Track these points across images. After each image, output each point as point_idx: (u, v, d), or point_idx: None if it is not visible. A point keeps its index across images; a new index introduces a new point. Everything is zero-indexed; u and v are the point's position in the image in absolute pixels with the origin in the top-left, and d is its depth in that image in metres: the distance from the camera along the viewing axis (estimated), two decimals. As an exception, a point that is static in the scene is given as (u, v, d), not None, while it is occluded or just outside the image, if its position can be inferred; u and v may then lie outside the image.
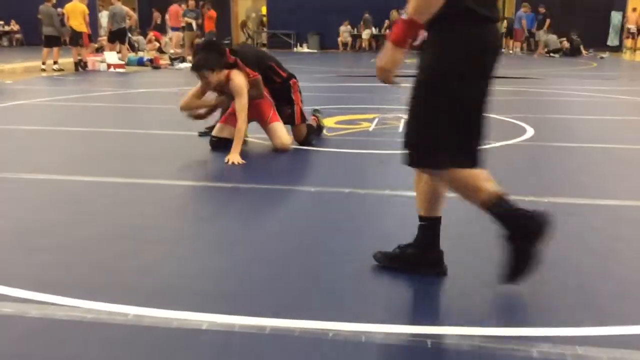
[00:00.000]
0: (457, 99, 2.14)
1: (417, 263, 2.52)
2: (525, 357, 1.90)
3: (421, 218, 2.50)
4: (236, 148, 4.57)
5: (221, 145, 4.85)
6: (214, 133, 5.03)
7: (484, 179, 2.24)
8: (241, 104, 4.65)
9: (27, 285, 2.39)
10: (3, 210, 3.46)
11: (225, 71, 4.69)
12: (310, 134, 5.23)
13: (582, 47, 19.35)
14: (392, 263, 2.57)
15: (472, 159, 2.22)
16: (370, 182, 4.07)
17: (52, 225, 3.16)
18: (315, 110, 5.62)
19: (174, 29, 17.23)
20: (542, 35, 20.37)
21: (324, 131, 5.61)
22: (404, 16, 2.02)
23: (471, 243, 2.94)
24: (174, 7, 16.86)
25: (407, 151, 2.29)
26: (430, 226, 2.48)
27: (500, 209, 2.22)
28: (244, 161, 4.51)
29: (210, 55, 4.67)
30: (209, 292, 2.38)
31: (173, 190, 3.90)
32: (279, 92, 5.08)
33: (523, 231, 2.23)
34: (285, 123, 5.08)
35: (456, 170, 2.20)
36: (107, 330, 2.07)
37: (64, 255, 2.74)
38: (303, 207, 3.61)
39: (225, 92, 4.81)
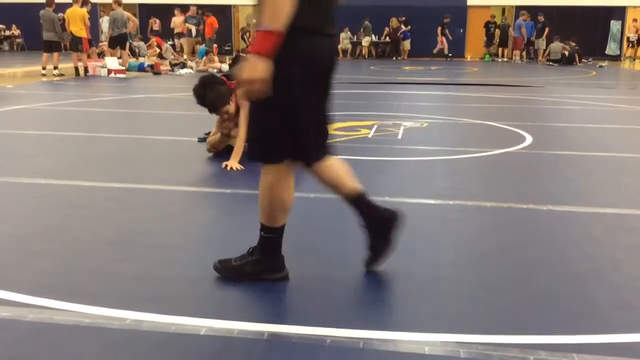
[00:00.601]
0: (290, 105, 2.27)
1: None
2: (523, 365, 1.90)
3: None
4: (236, 155, 4.61)
5: (219, 153, 4.89)
6: (211, 147, 5.10)
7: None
8: (245, 114, 4.70)
9: (24, 290, 2.39)
10: (2, 214, 3.46)
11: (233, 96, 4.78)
12: None
13: (576, 56, 19.37)
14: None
15: (311, 156, 2.43)
16: (369, 189, 4.05)
17: (51, 230, 3.16)
18: None
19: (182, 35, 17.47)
20: (542, 43, 20.43)
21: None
22: (265, 27, 2.07)
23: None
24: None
25: (250, 147, 2.45)
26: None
27: (272, 236, 2.45)
28: (242, 167, 4.52)
29: (218, 92, 4.73)
30: (208, 298, 2.37)
31: (172, 195, 3.90)
32: None
33: (264, 258, 2.48)
34: None
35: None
36: (105, 334, 2.06)
37: (62, 260, 2.74)
38: (302, 213, 3.61)
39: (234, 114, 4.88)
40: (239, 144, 4.65)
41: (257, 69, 2.07)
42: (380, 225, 2.60)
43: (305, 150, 2.41)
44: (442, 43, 22.04)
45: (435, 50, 22.10)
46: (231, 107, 4.79)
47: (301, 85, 2.25)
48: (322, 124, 2.50)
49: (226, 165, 4.53)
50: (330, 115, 2.57)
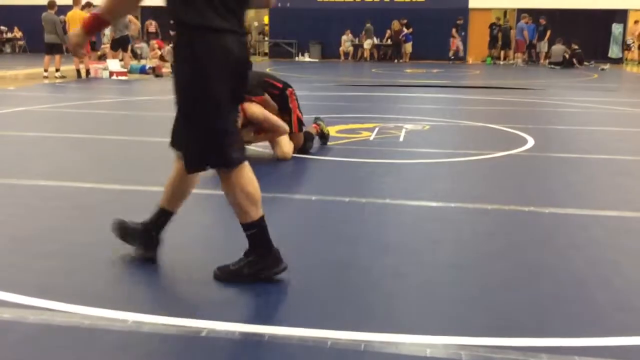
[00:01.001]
0: (202, 103, 2.35)
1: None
2: (524, 367, 1.90)
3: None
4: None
5: None
6: None
7: (257, 199, 2.48)
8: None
9: (25, 291, 2.39)
10: (3, 215, 3.46)
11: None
12: (308, 142, 5.26)
13: (574, 60, 19.33)
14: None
15: (225, 159, 2.43)
16: (370, 191, 4.07)
17: (52, 232, 3.16)
18: (317, 118, 5.65)
19: None
20: (544, 46, 20.42)
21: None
22: (97, 10, 2.43)
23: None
24: None
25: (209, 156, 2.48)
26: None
27: (255, 231, 2.50)
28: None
29: None
30: (209, 299, 2.37)
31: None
32: (277, 103, 5.12)
33: (260, 257, 2.51)
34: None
35: (237, 178, 2.44)
36: (106, 336, 2.06)
37: (63, 262, 2.74)
38: (303, 216, 3.61)
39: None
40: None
41: (78, 35, 2.51)
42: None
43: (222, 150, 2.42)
44: (454, 45, 21.94)
45: (450, 54, 22.00)
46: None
47: (212, 80, 2.33)
48: (234, 125, 2.54)
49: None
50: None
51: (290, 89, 5.23)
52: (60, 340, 2.05)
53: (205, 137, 2.39)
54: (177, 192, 2.72)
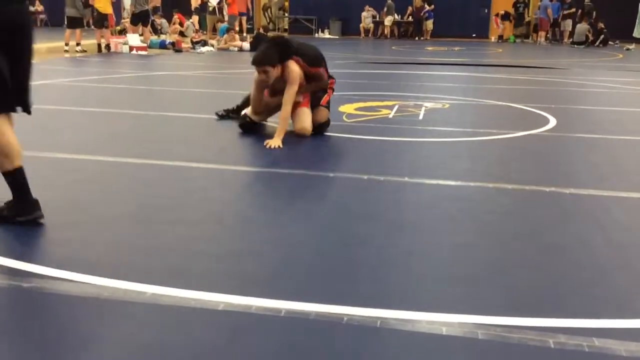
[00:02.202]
0: None
1: (18, 214, 2.82)
2: (541, 348, 1.88)
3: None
4: (280, 133, 4.65)
5: (250, 127, 4.90)
6: (250, 116, 5.09)
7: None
8: (290, 93, 4.77)
9: (45, 262, 2.42)
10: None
11: (281, 65, 4.78)
12: (326, 126, 5.21)
13: (601, 39, 18.95)
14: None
15: None
16: (389, 169, 4.04)
17: (72, 204, 3.19)
18: None
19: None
20: (568, 25, 20.05)
21: (344, 118, 5.59)
22: None
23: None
24: None
25: None
26: (16, 180, 2.79)
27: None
28: (281, 146, 4.53)
29: (273, 51, 4.75)
30: (226, 273, 2.38)
31: (193, 172, 3.91)
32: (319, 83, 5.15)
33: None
34: (312, 104, 5.11)
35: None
36: (124, 307, 2.08)
37: (82, 233, 2.77)
38: (321, 192, 3.61)
39: (276, 85, 4.87)
40: (284, 123, 4.70)
41: None
42: (21, 206, 2.82)
43: None
44: (498, 25, 21.52)
45: (496, 37, 21.64)
46: (274, 72, 4.75)
47: None
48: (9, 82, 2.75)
49: (267, 144, 4.54)
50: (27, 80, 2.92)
51: (332, 80, 5.29)
52: (77, 310, 2.08)
53: None
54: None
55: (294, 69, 4.78)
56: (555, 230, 2.99)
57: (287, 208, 3.29)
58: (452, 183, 3.72)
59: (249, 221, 3.07)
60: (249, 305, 2.10)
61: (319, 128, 5.13)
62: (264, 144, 4.56)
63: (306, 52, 5.00)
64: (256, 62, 4.79)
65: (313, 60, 4.99)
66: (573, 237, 2.90)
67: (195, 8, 18.10)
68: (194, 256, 2.54)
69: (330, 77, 5.26)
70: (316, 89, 5.11)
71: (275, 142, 4.56)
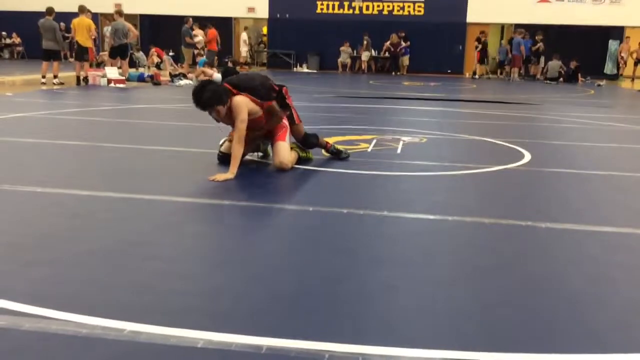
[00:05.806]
0: None
1: None
2: (522, 383, 1.89)
3: None
4: (232, 168, 4.65)
5: (228, 160, 4.93)
6: (222, 149, 5.18)
7: None
8: (238, 125, 4.77)
9: (21, 299, 2.38)
10: (-1, 222, 3.44)
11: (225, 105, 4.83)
12: (311, 137, 5.37)
13: (578, 75, 19.49)
14: None
15: None
16: (368, 203, 4.07)
17: (48, 239, 3.15)
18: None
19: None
20: (540, 62, 20.55)
21: (322, 152, 5.64)
22: None
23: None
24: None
25: None
26: None
27: None
28: (227, 178, 4.52)
29: (214, 91, 4.77)
30: (205, 310, 2.36)
31: (169, 206, 3.89)
32: (277, 102, 5.17)
33: None
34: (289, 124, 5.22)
35: None
36: (103, 345, 2.05)
37: (59, 270, 2.73)
38: (301, 227, 3.61)
39: (227, 121, 4.93)
40: (233, 156, 4.70)
41: None
42: None
43: None
44: (479, 59, 21.77)
45: (470, 73, 21.98)
46: (223, 110, 4.79)
47: None
48: None
49: (213, 178, 4.53)
50: None
51: (284, 87, 5.29)
52: (55, 348, 2.03)
53: None
54: None
55: (238, 101, 4.80)
56: (532, 264, 3.03)
57: (266, 243, 3.28)
58: (431, 217, 3.75)
59: (227, 256, 3.06)
60: (229, 343, 2.08)
61: (306, 141, 5.32)
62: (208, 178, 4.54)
63: (254, 87, 4.98)
64: (204, 106, 4.81)
65: (263, 96, 4.98)
66: (549, 272, 2.93)
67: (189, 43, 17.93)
68: (173, 292, 2.51)
69: (280, 86, 5.22)
70: (279, 121, 5.14)
71: (222, 177, 4.54)
